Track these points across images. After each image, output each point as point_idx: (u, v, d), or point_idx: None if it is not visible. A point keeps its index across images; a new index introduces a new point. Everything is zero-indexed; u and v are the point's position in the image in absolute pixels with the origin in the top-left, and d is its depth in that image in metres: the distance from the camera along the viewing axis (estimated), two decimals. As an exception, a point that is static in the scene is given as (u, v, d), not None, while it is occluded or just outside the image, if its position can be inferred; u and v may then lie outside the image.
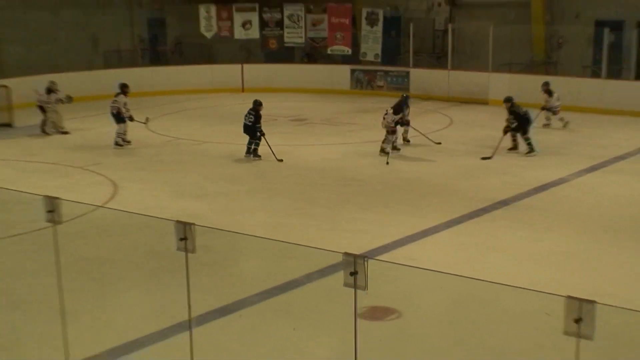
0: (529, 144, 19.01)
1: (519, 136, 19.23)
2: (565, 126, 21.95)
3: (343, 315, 7.12)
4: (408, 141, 20.24)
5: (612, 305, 7.42)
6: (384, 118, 18.87)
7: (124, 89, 20.63)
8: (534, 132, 19.68)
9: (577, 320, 5.92)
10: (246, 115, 19.02)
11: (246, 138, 18.89)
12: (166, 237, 7.31)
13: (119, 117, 20.32)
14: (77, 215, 12.98)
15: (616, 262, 12.21)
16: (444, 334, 9.63)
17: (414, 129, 20.03)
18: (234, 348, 9.31)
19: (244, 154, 18.87)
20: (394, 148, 18.98)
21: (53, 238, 7.87)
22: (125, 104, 20.34)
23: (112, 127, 20.39)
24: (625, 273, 11.75)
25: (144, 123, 20.78)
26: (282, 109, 25.71)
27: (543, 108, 22.07)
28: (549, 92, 22.05)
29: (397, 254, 12.26)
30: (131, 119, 20.40)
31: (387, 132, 18.66)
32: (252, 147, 18.86)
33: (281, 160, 18.36)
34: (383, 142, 18.86)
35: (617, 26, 28.38)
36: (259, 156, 18.80)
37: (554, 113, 21.93)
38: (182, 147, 20.19)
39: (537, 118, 21.32)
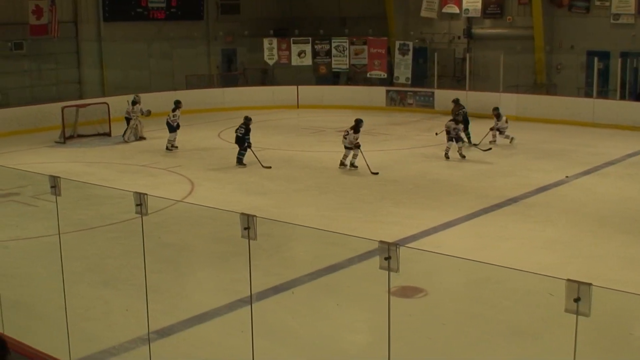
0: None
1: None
2: (511, 142, 21.17)
3: (378, 293, 6.89)
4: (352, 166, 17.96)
5: (607, 287, 7.11)
6: (344, 137, 17.79)
7: (178, 104, 20.70)
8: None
9: (576, 300, 5.71)
10: (237, 129, 18.51)
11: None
12: (233, 227, 7.07)
13: (170, 126, 20.25)
14: (161, 208, 12.82)
15: (609, 250, 11.92)
16: (463, 309, 9.43)
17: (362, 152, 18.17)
18: (287, 320, 9.14)
19: (235, 164, 18.32)
20: (352, 165, 17.70)
21: (140, 227, 7.69)
22: (175, 115, 20.33)
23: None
24: (617, 259, 11.48)
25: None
26: (329, 122, 25.57)
27: (492, 128, 21.29)
28: (497, 116, 21.35)
29: (424, 242, 12.07)
30: (178, 126, 20.38)
31: (350, 147, 17.60)
32: (238, 156, 18.24)
33: (269, 167, 17.84)
34: (345, 157, 17.77)
35: (604, 56, 28.25)
36: (244, 164, 18.16)
37: (501, 133, 21.15)
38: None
39: (486, 136, 21.00)
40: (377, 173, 17.14)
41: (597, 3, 29.85)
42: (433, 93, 29.25)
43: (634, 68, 29.05)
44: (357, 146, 17.27)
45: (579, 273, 10.06)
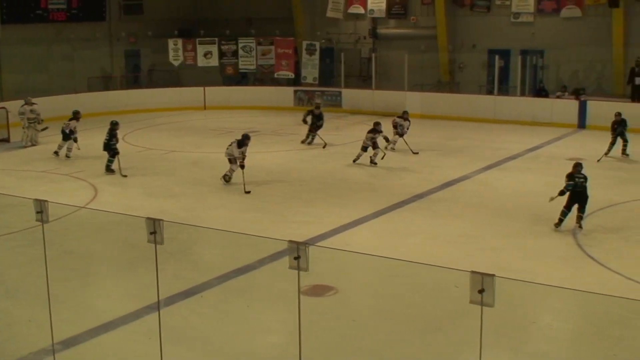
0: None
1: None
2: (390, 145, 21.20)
3: (289, 293, 6.89)
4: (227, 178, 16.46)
5: (509, 278, 7.30)
6: (227, 148, 16.29)
7: (76, 115, 19.75)
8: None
9: (480, 291, 5.91)
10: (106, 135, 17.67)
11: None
12: (139, 232, 6.97)
13: (65, 134, 19.39)
14: (63, 215, 12.51)
15: (511, 242, 12.22)
16: (373, 305, 9.52)
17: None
18: (196, 324, 9.04)
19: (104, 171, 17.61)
20: (225, 177, 16.43)
21: (41, 235, 7.48)
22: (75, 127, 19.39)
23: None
24: (519, 250, 11.77)
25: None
26: (238, 123, 25.43)
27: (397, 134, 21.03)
28: (407, 120, 21.15)
29: (333, 240, 12.12)
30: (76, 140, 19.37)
31: (230, 161, 16.13)
32: (107, 163, 17.51)
33: (125, 176, 17.08)
34: (228, 171, 16.35)
35: (505, 54, 29.02)
36: (112, 171, 17.45)
37: (401, 135, 21.00)
38: (152, 156, 19.72)
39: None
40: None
41: (498, 2, 30.66)
42: (340, 92, 29.49)
43: (534, 65, 29.94)
44: (241, 166, 15.71)
45: (483, 265, 10.30)
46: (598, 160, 18.34)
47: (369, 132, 18.10)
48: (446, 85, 31.35)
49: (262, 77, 32.63)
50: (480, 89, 30.16)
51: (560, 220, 12.65)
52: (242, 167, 15.64)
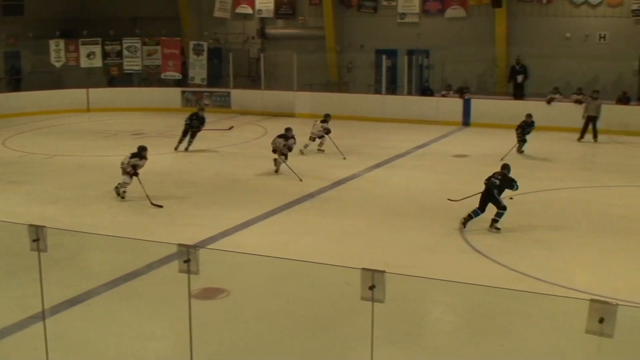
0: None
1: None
2: (305, 149, 20.48)
3: (179, 297, 6.79)
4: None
5: (399, 273, 7.45)
6: (124, 161, 15.16)
7: None
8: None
9: (371, 287, 6.00)
10: None
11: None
12: (21, 239, 6.74)
13: None
14: (-61, 223, 11.95)
15: (401, 238, 12.43)
16: (265, 306, 9.48)
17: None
18: (84, 332, 8.79)
19: None
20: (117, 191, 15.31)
21: None
22: None
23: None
24: (409, 246, 11.97)
25: None
26: (123, 125, 24.98)
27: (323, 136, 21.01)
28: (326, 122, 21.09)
29: (224, 242, 12.00)
30: None
31: (124, 172, 15.03)
32: None
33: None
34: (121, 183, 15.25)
35: (392, 54, 29.62)
36: None
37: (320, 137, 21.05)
38: (35, 161, 19.09)
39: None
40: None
41: (384, 3, 31.24)
42: (229, 93, 29.37)
43: (419, 65, 30.64)
44: (134, 174, 14.76)
45: (374, 262, 10.43)
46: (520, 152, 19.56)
47: (279, 136, 17.42)
48: (335, 85, 31.69)
49: (149, 78, 32.16)
50: (369, 89, 30.65)
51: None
52: (135, 174, 14.83)
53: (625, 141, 21.99)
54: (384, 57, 28.13)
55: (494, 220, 12.74)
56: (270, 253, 10.87)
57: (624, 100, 24.62)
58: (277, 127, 20.44)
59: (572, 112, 23.61)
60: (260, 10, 33.05)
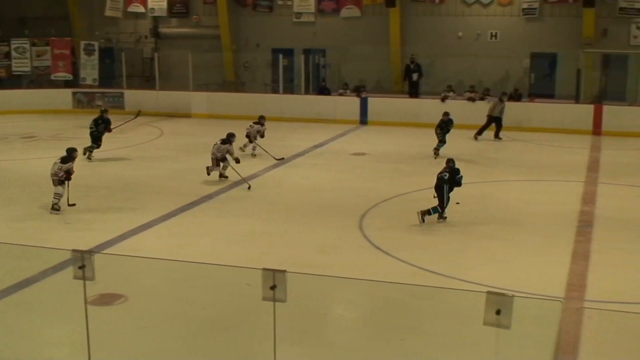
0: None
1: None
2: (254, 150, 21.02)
3: (75, 304, 6.62)
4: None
5: (300, 272, 7.48)
6: (55, 169, 14.30)
7: None
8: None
9: (273, 287, 6.09)
10: None
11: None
12: None
13: None
14: None
15: (302, 237, 12.45)
16: (165, 310, 9.34)
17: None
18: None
19: None
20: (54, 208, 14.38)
21: None
22: None
23: None
24: (310, 245, 11.99)
25: None
26: (13, 129, 24.16)
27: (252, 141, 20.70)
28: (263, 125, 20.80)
29: (121, 246, 11.76)
30: None
31: (58, 181, 14.22)
32: None
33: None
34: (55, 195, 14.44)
35: (288, 53, 29.67)
36: None
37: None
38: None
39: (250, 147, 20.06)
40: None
41: (280, 2, 31.32)
42: (122, 93, 28.82)
43: (316, 64, 30.85)
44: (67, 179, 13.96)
45: (276, 261, 10.45)
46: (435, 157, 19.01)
47: (222, 142, 16.46)
48: (232, 85, 31.56)
49: (38, 79, 31.24)
50: (266, 88, 30.68)
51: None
52: (68, 179, 13.96)
53: (518, 138, 22.68)
54: (280, 56, 28.17)
55: (427, 212, 13.01)
56: (169, 256, 10.72)
57: (515, 97, 25.40)
58: (173, 127, 20.24)
59: (465, 110, 24.23)
60: (153, 9, 32.61)
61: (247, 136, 19.46)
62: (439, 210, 13.08)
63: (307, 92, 29.09)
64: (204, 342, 8.49)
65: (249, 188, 15.67)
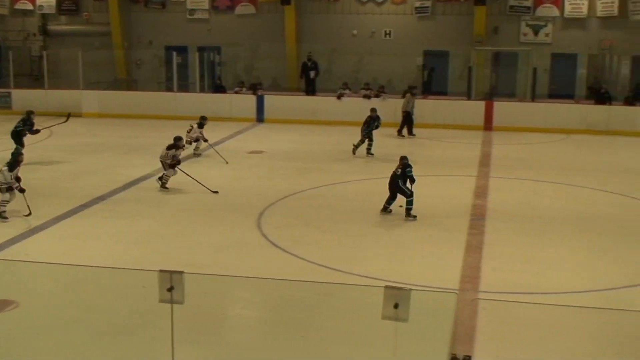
0: None
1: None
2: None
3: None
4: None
5: (198, 273, 7.42)
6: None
7: None
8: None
9: (170, 289, 6.01)
10: None
11: None
12: None
13: None
14: None
15: (198, 237, 12.33)
16: (59, 315, 9.07)
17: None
18: None
19: None
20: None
21: None
22: None
23: None
24: (207, 246, 11.88)
25: None
26: None
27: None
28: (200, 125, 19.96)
29: (11, 251, 11.36)
30: None
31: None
32: None
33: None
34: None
35: (182, 50, 29.37)
36: None
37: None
38: None
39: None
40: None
41: (173, -1, 31.02)
42: (10, 93, 27.86)
43: (211, 61, 30.63)
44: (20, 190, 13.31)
45: (173, 263, 10.34)
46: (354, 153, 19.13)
47: (168, 148, 15.74)
48: (124, 83, 31.01)
49: None
50: (160, 86, 30.26)
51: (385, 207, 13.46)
52: (21, 190, 13.29)
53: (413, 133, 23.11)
54: (174, 53, 27.85)
55: (407, 210, 13.19)
56: (62, 260, 10.45)
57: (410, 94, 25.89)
58: (63, 128, 19.71)
59: (361, 107, 24.51)
60: (41, 6, 31.74)
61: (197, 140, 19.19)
62: (410, 204, 13.23)
63: (202, 90, 28.85)
64: (101, 346, 8.31)
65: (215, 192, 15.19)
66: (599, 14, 28.37)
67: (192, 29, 31.19)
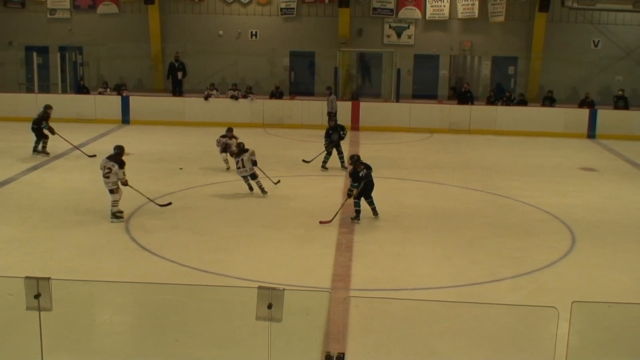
0: None
1: None
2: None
3: None
4: None
5: (66, 279, 7.21)
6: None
7: None
8: None
9: (37, 296, 5.94)
10: None
11: None
12: None
13: None
14: None
15: (64, 241, 11.98)
16: None
17: None
18: None
19: None
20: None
21: None
22: None
23: None
24: (73, 249, 11.57)
25: None
26: None
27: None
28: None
29: None
30: None
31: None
32: None
33: None
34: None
35: (43, 50, 28.58)
36: None
37: None
38: None
39: None
40: None
41: (33, -2, 30.08)
42: None
43: (73, 62, 29.82)
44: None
45: (38, 269, 9.99)
46: (307, 161, 18.41)
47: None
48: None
49: None
50: (21, 87, 29.24)
51: (358, 212, 13.20)
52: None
53: (279, 134, 23.22)
54: (34, 54, 26.94)
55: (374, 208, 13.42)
56: None
57: (277, 94, 26.01)
58: None
59: (228, 108, 24.47)
60: None
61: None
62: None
63: (64, 91, 28.01)
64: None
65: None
66: (460, 16, 29.40)
67: (53, 29, 30.28)
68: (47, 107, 19.15)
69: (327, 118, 20.22)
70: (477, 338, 8.01)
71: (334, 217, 13.11)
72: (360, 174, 13.15)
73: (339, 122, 18.70)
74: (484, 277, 10.71)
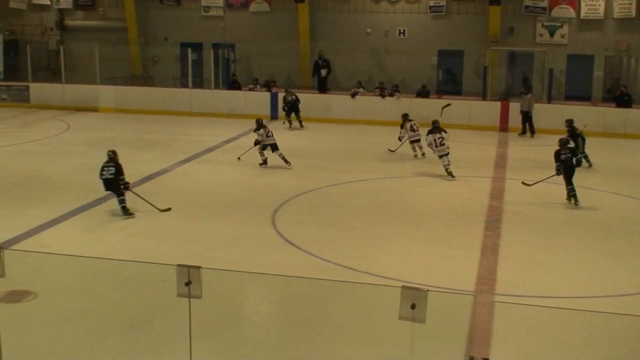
0: None
1: None
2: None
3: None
4: None
5: (215, 268, 7.42)
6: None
7: None
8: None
9: (188, 284, 6.04)
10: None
11: None
12: None
13: None
14: None
15: (215, 233, 12.36)
16: (75, 306, 9.08)
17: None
18: None
19: None
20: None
21: None
22: None
23: None
24: (221, 241, 11.93)
25: None
26: None
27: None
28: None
29: (29, 242, 11.41)
30: None
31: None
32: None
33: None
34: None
35: (197, 47, 29.42)
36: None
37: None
38: None
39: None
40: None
41: (188, -5, 31.06)
42: (28, 87, 27.91)
43: (225, 58, 30.66)
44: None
45: (189, 257, 10.33)
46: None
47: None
48: (140, 79, 31.07)
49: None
50: (175, 82, 30.33)
51: (574, 196, 14.12)
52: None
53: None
54: (189, 50, 27.90)
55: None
56: (79, 252, 10.47)
57: (423, 93, 25.80)
58: (80, 122, 19.79)
59: (375, 105, 24.53)
60: (58, 1, 31.80)
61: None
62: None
63: (217, 87, 28.88)
64: (116, 337, 8.34)
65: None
66: (616, 15, 28.17)
67: (206, 26, 31.21)
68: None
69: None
70: (627, 351, 7.70)
71: (535, 183, 14.95)
72: (562, 157, 14.15)
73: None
74: (635, 288, 10.26)
